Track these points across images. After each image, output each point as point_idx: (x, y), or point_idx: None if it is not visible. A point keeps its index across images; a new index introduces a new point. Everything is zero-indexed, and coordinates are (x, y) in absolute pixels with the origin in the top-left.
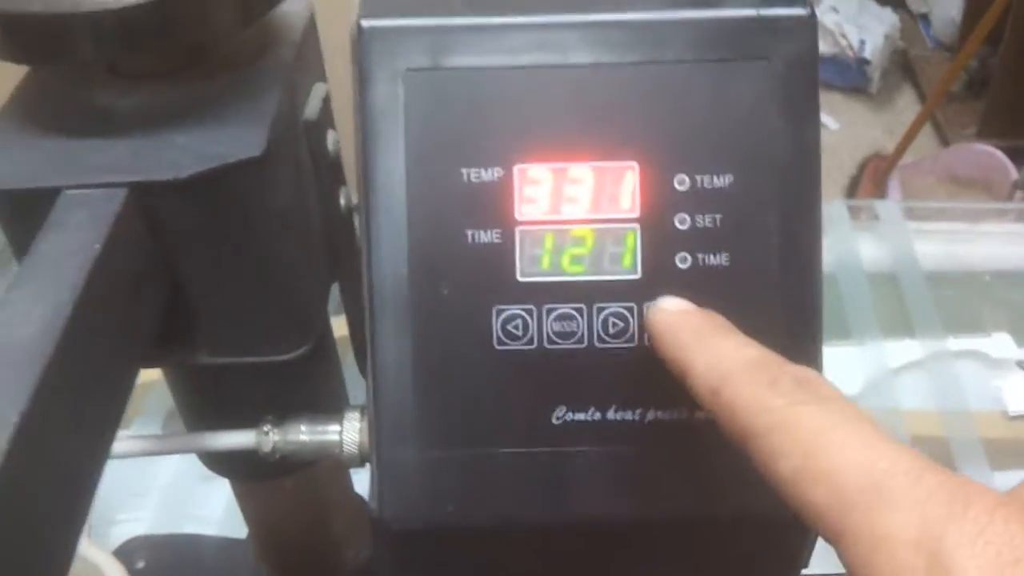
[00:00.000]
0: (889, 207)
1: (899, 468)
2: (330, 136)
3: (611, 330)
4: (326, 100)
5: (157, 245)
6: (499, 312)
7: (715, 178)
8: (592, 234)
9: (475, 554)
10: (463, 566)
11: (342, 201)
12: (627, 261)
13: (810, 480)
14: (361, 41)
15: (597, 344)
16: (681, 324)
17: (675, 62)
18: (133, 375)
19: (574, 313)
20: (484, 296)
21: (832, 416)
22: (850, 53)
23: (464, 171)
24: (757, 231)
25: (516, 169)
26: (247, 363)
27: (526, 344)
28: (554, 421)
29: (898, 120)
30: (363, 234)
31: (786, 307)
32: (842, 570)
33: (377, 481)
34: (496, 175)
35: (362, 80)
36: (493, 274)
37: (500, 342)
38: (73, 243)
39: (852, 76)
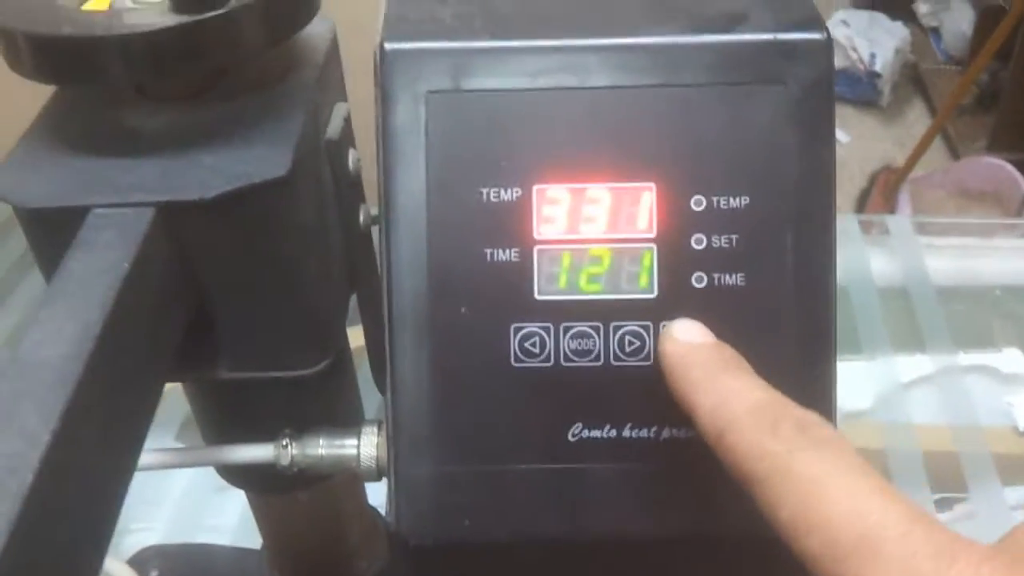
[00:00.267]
0: (900, 222)
1: (889, 521)
2: (351, 155)
3: (627, 348)
4: (347, 120)
5: (182, 262)
6: (517, 330)
7: (731, 199)
8: (609, 253)
9: (491, 569)
10: None
11: (361, 218)
12: (644, 280)
13: (805, 530)
14: (384, 64)
15: (613, 362)
16: (690, 360)
17: (692, 85)
18: (159, 390)
19: (591, 331)
20: (502, 314)
21: (829, 464)
22: (861, 66)
23: (483, 191)
24: (772, 252)
25: (535, 189)
26: (267, 378)
27: (543, 361)
28: (570, 438)
29: (908, 133)
30: (383, 252)
31: (800, 328)
32: None
33: (395, 496)
34: (515, 195)
35: (385, 101)
36: (511, 292)
37: (517, 359)
38: (102, 262)
39: (863, 89)
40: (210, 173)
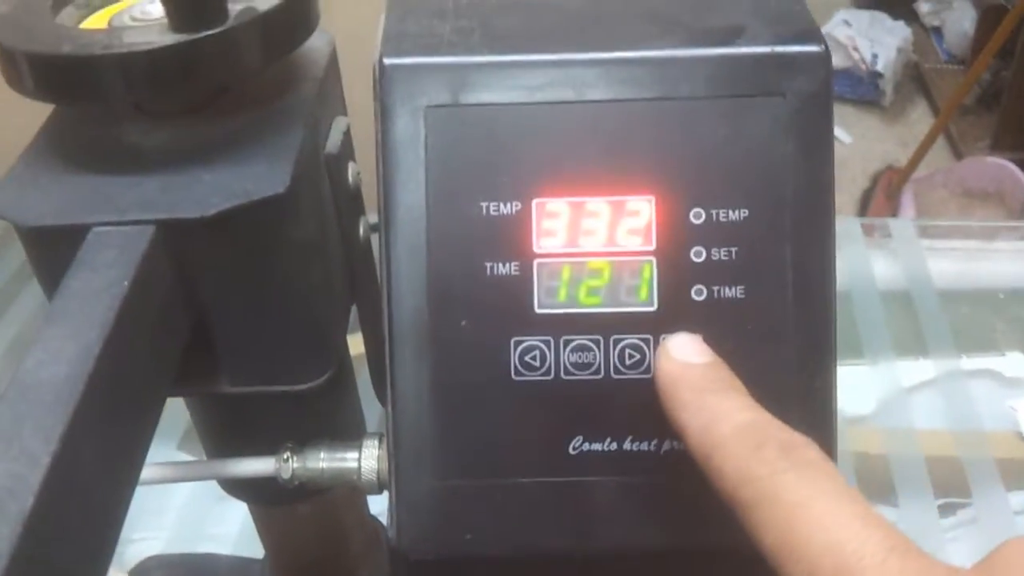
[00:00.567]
0: (902, 225)
1: (866, 550)
2: (350, 168)
3: (627, 361)
4: (347, 133)
5: (182, 279)
6: (517, 343)
7: (731, 212)
8: (609, 266)
9: None
10: None
11: (361, 230)
12: (643, 293)
13: (788, 556)
14: (383, 79)
15: (613, 375)
16: (681, 380)
17: (691, 98)
18: (159, 406)
19: (591, 344)
20: (502, 327)
21: (811, 488)
22: (863, 66)
23: (483, 205)
24: (772, 264)
25: (534, 203)
26: (268, 392)
27: (543, 375)
28: (571, 451)
29: (911, 133)
30: (383, 266)
31: (800, 340)
32: None
33: (395, 510)
34: (515, 208)
35: (384, 116)
36: (511, 306)
37: (518, 373)
38: (102, 281)
39: (865, 89)
40: (210, 190)
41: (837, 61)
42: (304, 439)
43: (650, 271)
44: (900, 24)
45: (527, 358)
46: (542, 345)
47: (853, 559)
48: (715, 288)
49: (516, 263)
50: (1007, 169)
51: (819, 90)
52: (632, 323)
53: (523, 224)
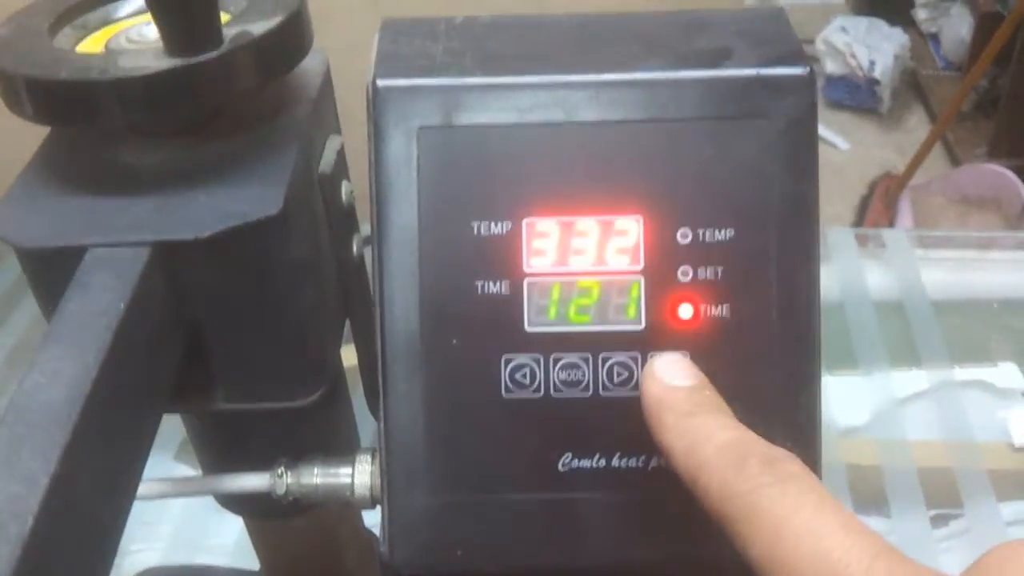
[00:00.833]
0: (896, 235)
1: (852, 557)
2: (344, 187)
3: (616, 379)
4: (340, 152)
5: (177, 298)
6: (507, 361)
7: (717, 232)
8: (598, 285)
9: None
10: None
11: (355, 247)
12: (631, 312)
13: (776, 567)
14: (376, 100)
15: (602, 392)
16: (665, 403)
17: (678, 120)
18: (155, 424)
19: (580, 362)
20: (493, 345)
21: (794, 500)
22: (860, 73)
23: (474, 224)
24: (757, 283)
25: (525, 222)
26: (262, 408)
27: (533, 392)
28: (560, 468)
29: (908, 140)
30: (376, 285)
31: (785, 357)
32: None
33: (388, 525)
34: (505, 228)
35: (377, 137)
36: (502, 324)
37: (508, 390)
38: (98, 304)
39: (862, 96)
40: (205, 211)
41: (834, 68)
42: (299, 454)
43: (638, 290)
44: (897, 31)
45: (517, 376)
46: (532, 363)
47: (840, 566)
48: (702, 307)
49: (507, 282)
50: (1004, 176)
51: (804, 112)
52: (620, 341)
53: (513, 243)
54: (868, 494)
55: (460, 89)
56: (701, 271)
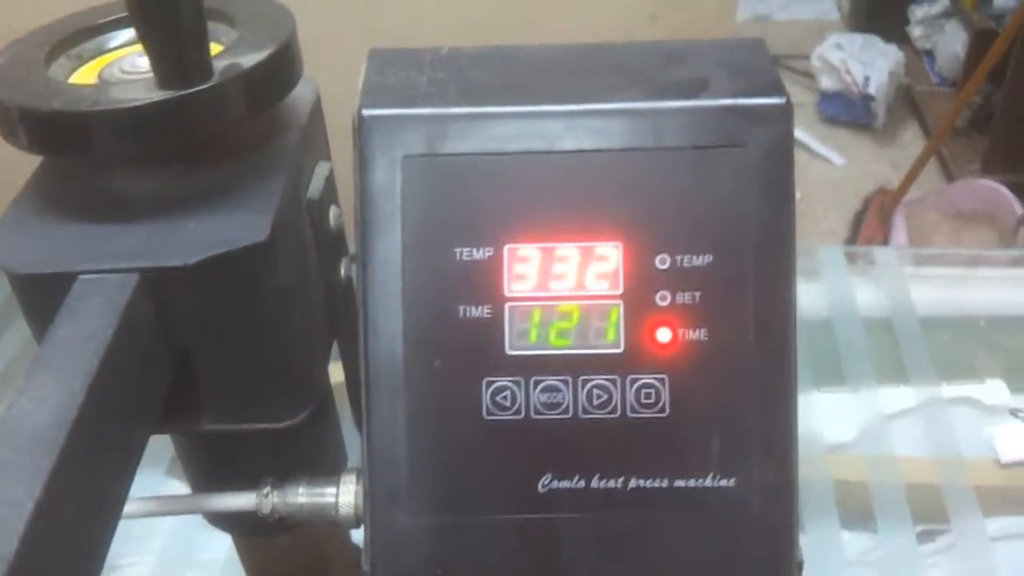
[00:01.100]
0: (885, 252)
1: None
2: (332, 212)
3: (595, 401)
4: (329, 178)
5: (165, 323)
6: (488, 384)
7: (695, 258)
8: (578, 309)
9: None
10: None
11: (343, 271)
12: (611, 335)
13: None
14: (362, 129)
15: (582, 415)
16: None
17: (657, 149)
18: (142, 447)
19: (560, 385)
20: (474, 369)
21: None
22: (855, 89)
23: (457, 250)
24: (734, 308)
25: (506, 248)
26: (249, 429)
27: (514, 415)
28: (540, 489)
29: (903, 155)
30: (361, 309)
31: (762, 380)
32: None
33: (370, 545)
34: (487, 254)
35: (362, 165)
36: (483, 348)
37: (489, 412)
38: (86, 330)
39: (857, 112)
40: (193, 238)
41: (829, 84)
42: (285, 473)
43: (617, 314)
44: (892, 47)
45: (498, 398)
46: (513, 386)
47: None
48: (680, 331)
49: (488, 306)
50: (998, 191)
51: (780, 140)
52: (600, 364)
53: (495, 269)
54: (855, 510)
55: (444, 118)
56: (679, 296)
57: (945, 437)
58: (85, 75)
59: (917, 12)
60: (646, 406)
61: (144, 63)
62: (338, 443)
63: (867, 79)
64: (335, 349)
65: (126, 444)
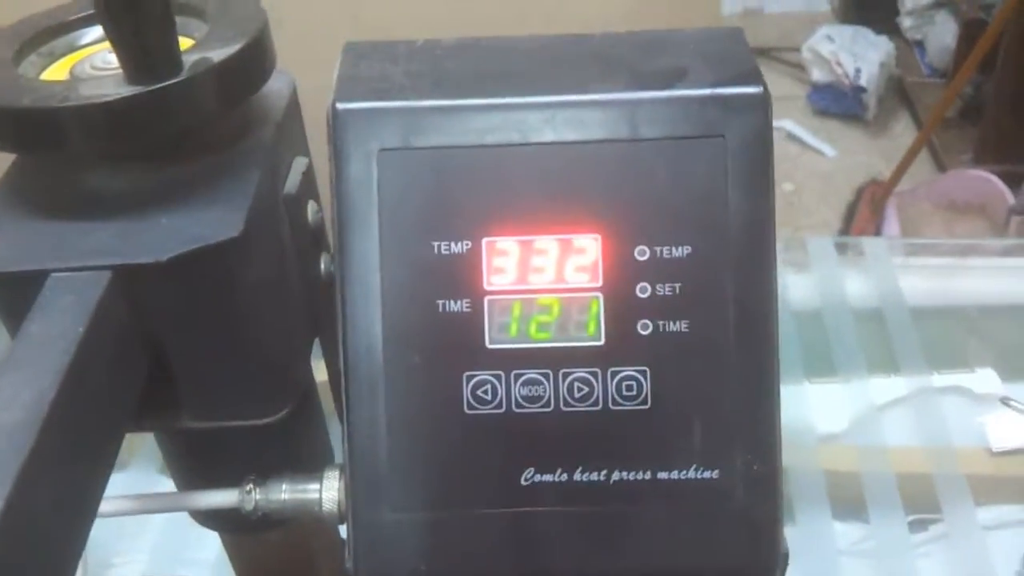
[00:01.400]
0: (875, 243)
1: None
2: (310, 207)
3: (576, 394)
4: (306, 173)
5: (139, 320)
6: (469, 378)
7: (674, 249)
8: (558, 303)
9: None
10: None
11: (323, 267)
12: (591, 328)
13: None
14: (336, 123)
15: (563, 408)
16: None
17: (634, 140)
18: (117, 445)
19: (541, 378)
20: (454, 363)
21: None
22: (846, 81)
23: (435, 244)
24: (715, 299)
25: (484, 241)
26: (230, 426)
27: (495, 408)
28: (523, 482)
29: (894, 146)
30: (339, 304)
31: (744, 370)
32: None
33: (352, 540)
34: (465, 247)
35: (338, 159)
36: (463, 342)
37: (470, 407)
38: (58, 327)
39: (848, 103)
40: (166, 235)
41: (820, 76)
42: (269, 470)
43: (597, 307)
44: (883, 39)
45: (479, 392)
46: (493, 379)
47: None
48: (660, 322)
49: (467, 300)
50: (990, 181)
51: (759, 130)
52: (581, 357)
53: (474, 262)
54: (847, 500)
55: (419, 111)
56: (659, 287)
57: (936, 427)
58: (56, 72)
59: (907, 3)
60: (628, 399)
61: (115, 59)
62: (324, 440)
63: (858, 71)
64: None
65: (100, 442)
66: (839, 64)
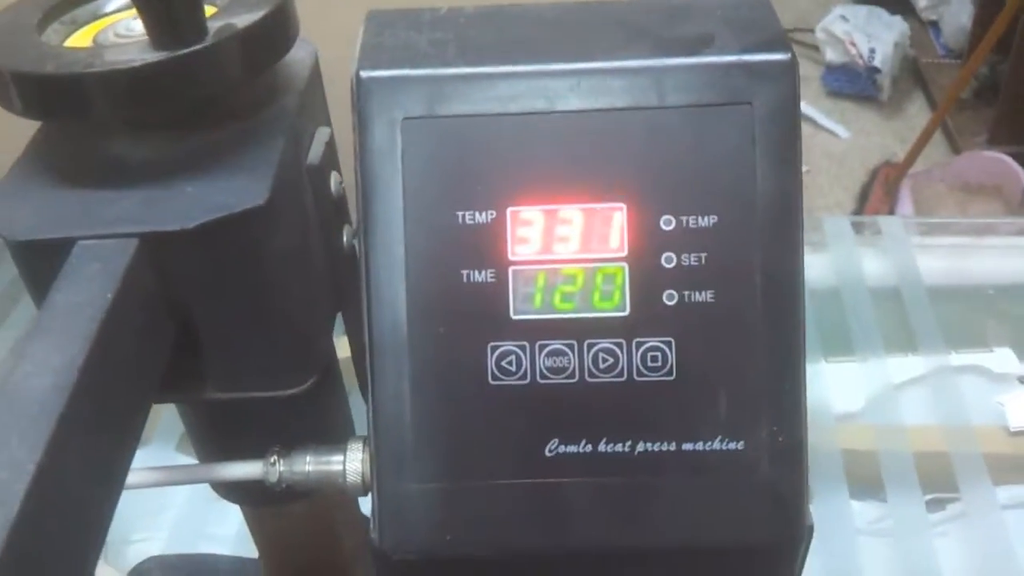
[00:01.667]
0: (892, 222)
1: None
2: (333, 178)
3: (601, 365)
4: (329, 144)
5: (165, 289)
6: (493, 349)
7: (700, 218)
8: (582, 273)
9: None
10: None
11: (345, 238)
12: (616, 298)
13: None
14: (360, 91)
15: (588, 379)
16: None
17: (661, 107)
18: (144, 414)
19: (565, 349)
20: (479, 334)
21: None
22: (860, 62)
23: (459, 214)
24: (741, 269)
25: (509, 211)
26: (254, 397)
27: (519, 379)
28: (547, 453)
29: (909, 127)
30: (363, 275)
31: (770, 342)
32: None
33: (377, 512)
34: (490, 217)
35: (361, 128)
36: (487, 312)
37: (495, 377)
38: (85, 294)
39: (862, 84)
40: (191, 203)
41: (834, 57)
42: (292, 442)
43: (622, 277)
44: (897, 19)
45: (503, 363)
46: (518, 350)
47: None
48: (686, 293)
49: (492, 270)
50: (1005, 163)
51: (786, 97)
52: (605, 328)
53: (498, 232)
54: (864, 479)
55: (443, 79)
56: (685, 257)
57: (954, 406)
58: (79, 40)
59: None
60: (653, 369)
61: (139, 27)
62: (346, 413)
63: (872, 51)
64: (341, 322)
65: (128, 410)
66: (853, 45)
